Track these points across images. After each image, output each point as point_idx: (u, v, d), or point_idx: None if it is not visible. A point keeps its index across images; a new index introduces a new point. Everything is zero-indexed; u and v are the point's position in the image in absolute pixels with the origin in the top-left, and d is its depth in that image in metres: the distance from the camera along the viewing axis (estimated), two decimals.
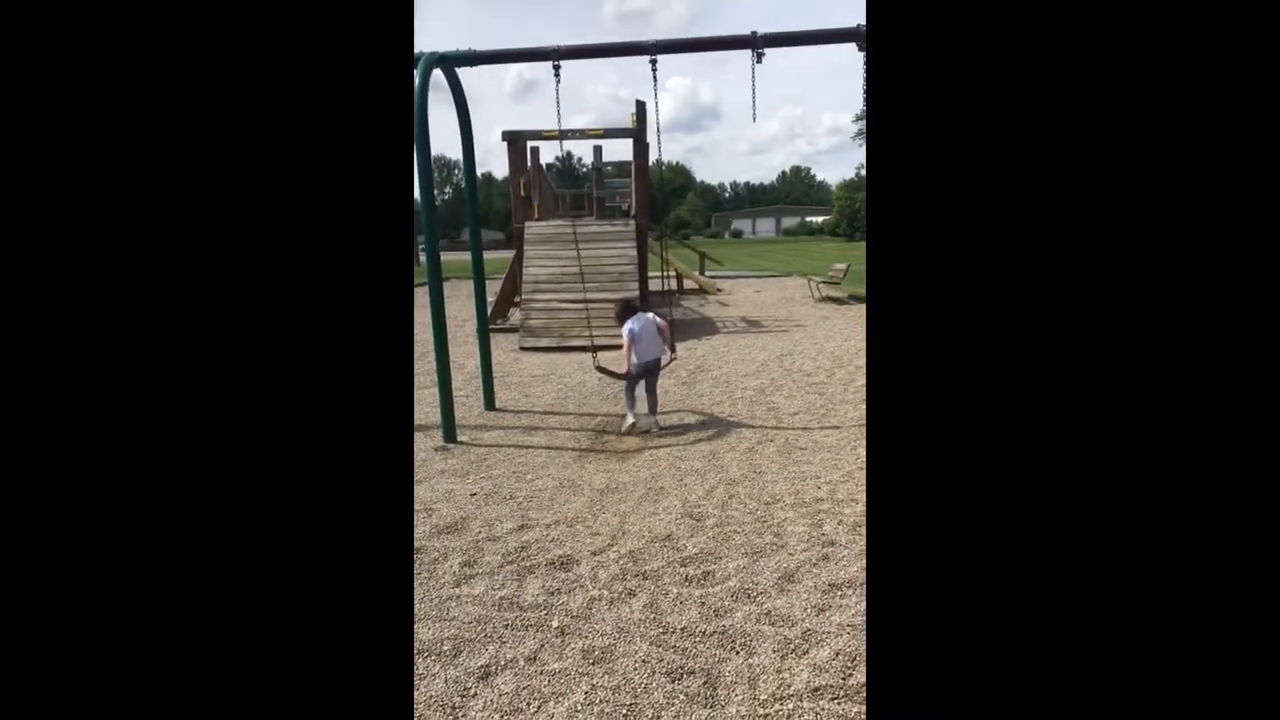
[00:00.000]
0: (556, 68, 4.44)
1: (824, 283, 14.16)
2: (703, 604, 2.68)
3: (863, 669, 2.24)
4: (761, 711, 2.07)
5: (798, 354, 8.04)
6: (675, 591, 2.79)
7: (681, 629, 2.52)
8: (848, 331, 9.58)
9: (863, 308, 12.03)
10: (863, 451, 4.47)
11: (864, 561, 2.97)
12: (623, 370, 5.19)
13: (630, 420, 5.06)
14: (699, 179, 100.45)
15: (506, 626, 2.57)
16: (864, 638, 2.41)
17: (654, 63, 4.40)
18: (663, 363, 5.17)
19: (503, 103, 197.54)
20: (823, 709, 2.07)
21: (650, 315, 5.13)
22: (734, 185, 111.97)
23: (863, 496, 3.71)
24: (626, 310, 5.14)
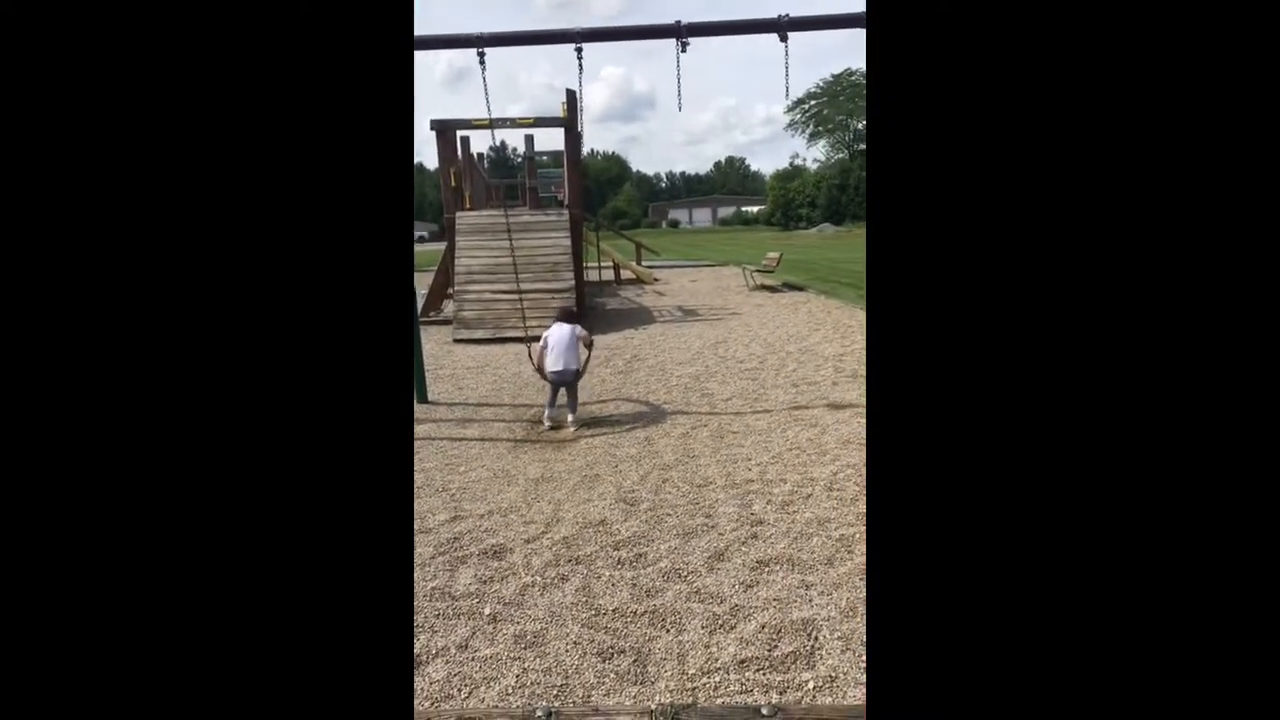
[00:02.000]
0: (481, 55, 4.38)
1: (758, 271, 14.40)
2: (634, 585, 2.73)
3: (787, 639, 2.33)
4: (690, 685, 2.13)
5: (732, 341, 8.17)
6: (608, 574, 2.83)
7: (613, 610, 2.55)
8: (780, 319, 9.78)
9: (795, 295, 12.31)
10: (791, 433, 4.60)
11: (791, 538, 3.07)
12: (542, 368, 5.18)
13: (547, 424, 5.02)
14: (635, 169, 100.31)
15: (438, 616, 2.56)
16: (788, 611, 2.50)
17: (579, 51, 4.39)
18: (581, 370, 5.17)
19: (434, 91, 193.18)
20: (748, 679, 2.14)
21: (570, 326, 5.10)
22: (670, 175, 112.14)
23: (791, 476, 3.82)
24: (559, 315, 5.27)
